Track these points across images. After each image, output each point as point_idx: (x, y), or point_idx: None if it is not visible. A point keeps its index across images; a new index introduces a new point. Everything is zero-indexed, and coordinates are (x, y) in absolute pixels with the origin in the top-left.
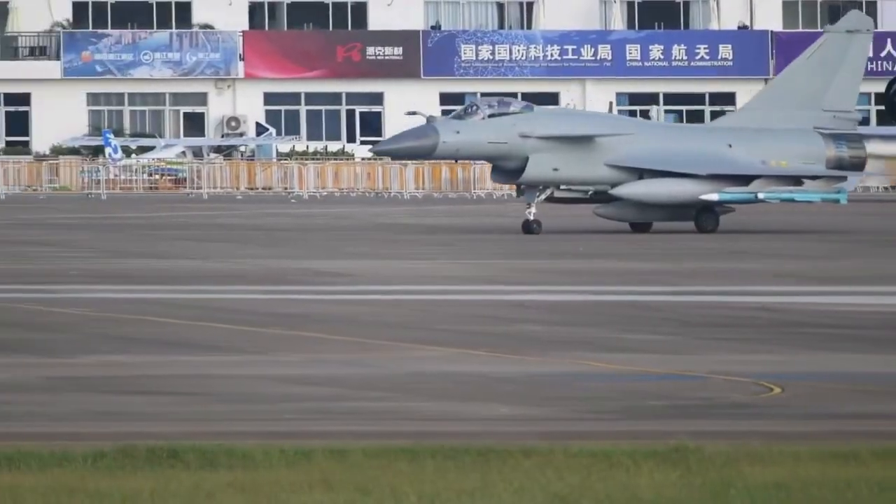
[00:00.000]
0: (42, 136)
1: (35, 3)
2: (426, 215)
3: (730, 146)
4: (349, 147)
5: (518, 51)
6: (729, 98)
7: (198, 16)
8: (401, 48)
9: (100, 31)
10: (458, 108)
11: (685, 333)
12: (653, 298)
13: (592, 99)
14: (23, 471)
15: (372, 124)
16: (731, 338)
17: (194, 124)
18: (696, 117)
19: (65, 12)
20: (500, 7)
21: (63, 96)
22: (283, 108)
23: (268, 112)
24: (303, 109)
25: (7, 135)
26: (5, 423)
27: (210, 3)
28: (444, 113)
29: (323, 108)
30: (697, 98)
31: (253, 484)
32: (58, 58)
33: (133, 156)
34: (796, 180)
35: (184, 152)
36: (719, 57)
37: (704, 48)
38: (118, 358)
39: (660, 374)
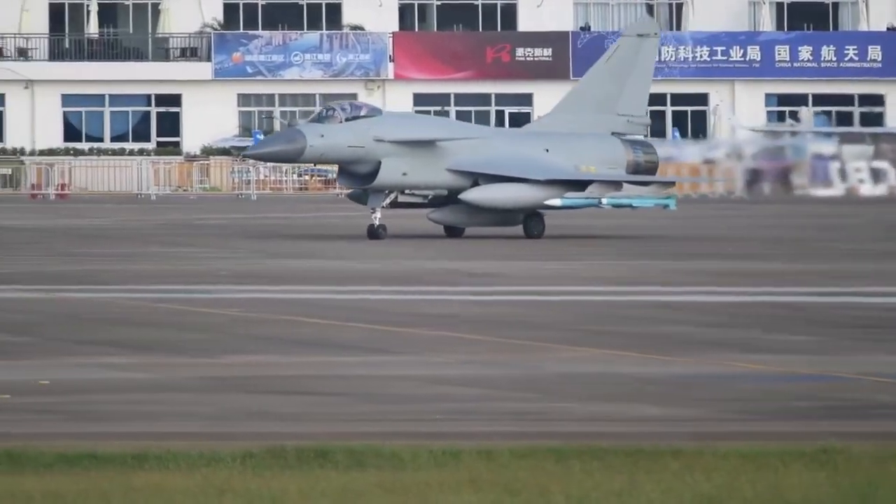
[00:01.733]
0: (192, 137)
1: (186, 5)
2: (573, 216)
3: (546, 151)
4: None
5: (667, 52)
6: (877, 100)
7: (348, 17)
8: (550, 49)
9: (250, 32)
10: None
11: (832, 334)
12: (798, 299)
13: (741, 100)
14: (172, 471)
15: (521, 125)
16: (878, 339)
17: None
18: (845, 119)
19: (215, 13)
20: (650, 8)
21: (213, 97)
22: (432, 108)
23: (417, 113)
24: (452, 110)
25: (158, 136)
26: (155, 422)
27: (360, 4)
28: None
29: (472, 108)
30: (846, 99)
31: (401, 484)
32: (208, 59)
33: None
34: (620, 186)
35: None
36: (868, 58)
37: (853, 49)
38: (266, 358)
39: (807, 374)
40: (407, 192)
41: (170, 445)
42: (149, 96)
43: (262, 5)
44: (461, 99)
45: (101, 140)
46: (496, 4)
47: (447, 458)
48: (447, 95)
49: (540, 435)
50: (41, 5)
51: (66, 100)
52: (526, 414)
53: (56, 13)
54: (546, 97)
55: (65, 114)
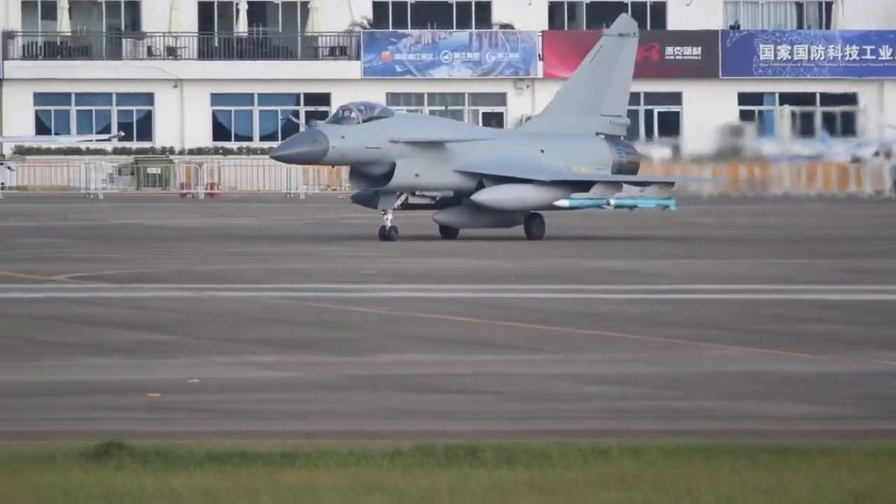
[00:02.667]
0: None
1: (335, 4)
2: (727, 214)
3: (542, 151)
4: (646, 147)
5: (816, 51)
6: None
7: (497, 15)
8: (699, 48)
9: (399, 31)
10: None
11: None
12: None
13: (890, 99)
14: (321, 469)
15: (670, 124)
16: None
17: (493, 124)
18: None
19: (365, 12)
20: (800, 7)
21: (363, 96)
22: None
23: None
24: None
25: None
26: (304, 420)
27: (510, 3)
28: (743, 114)
29: None
30: None
31: (550, 482)
32: (358, 58)
33: None
34: (620, 186)
35: None
36: None
37: None
38: (416, 356)
39: None
40: (417, 193)
41: (319, 443)
42: (298, 95)
43: (412, 4)
44: None
45: (249, 139)
46: (646, 3)
47: (595, 456)
48: None
49: (688, 433)
50: (190, 4)
51: (215, 99)
52: (674, 412)
53: (205, 12)
54: (695, 96)
55: (214, 113)
